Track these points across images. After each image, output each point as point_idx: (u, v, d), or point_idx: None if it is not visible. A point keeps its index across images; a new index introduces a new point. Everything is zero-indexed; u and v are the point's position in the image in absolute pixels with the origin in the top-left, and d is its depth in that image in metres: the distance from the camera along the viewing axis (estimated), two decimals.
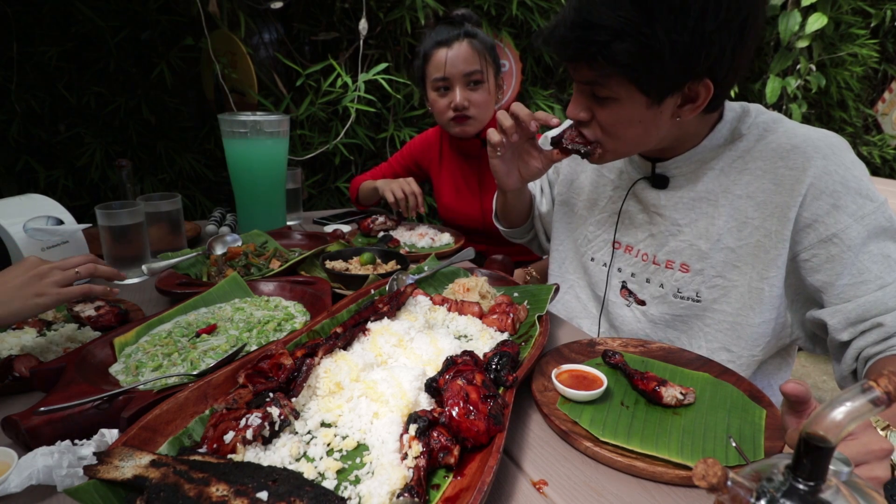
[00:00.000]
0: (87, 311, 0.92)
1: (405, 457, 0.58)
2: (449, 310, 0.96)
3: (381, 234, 1.52)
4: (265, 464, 0.57)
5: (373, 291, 0.98)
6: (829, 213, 0.81)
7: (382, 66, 2.18)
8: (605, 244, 1.07)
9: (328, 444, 0.62)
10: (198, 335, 0.85)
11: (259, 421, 0.60)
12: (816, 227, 0.82)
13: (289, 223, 1.65)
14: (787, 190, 0.84)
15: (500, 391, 0.69)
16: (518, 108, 0.98)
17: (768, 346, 0.93)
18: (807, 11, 3.11)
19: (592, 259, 1.10)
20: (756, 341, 0.91)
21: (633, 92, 0.81)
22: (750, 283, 0.89)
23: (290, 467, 0.58)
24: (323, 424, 0.66)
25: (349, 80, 2.17)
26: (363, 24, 2.13)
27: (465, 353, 0.73)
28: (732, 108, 0.92)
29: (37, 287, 0.77)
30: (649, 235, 0.99)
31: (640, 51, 0.75)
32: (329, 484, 0.56)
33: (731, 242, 0.90)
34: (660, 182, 0.96)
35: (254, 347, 0.83)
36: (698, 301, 0.94)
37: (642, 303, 1.01)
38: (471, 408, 0.61)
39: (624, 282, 1.04)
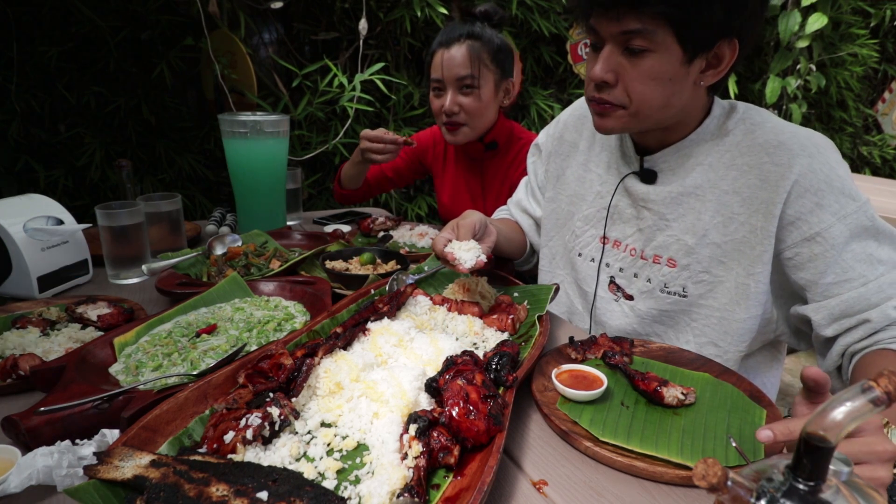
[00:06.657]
0: (90, 312, 0.92)
1: (405, 457, 0.58)
2: (449, 310, 0.96)
3: (381, 234, 1.52)
4: (265, 464, 0.57)
5: (373, 291, 0.98)
6: (813, 212, 0.82)
7: (378, 65, 2.18)
8: (594, 239, 1.07)
9: (328, 444, 0.62)
10: (198, 335, 0.85)
11: (259, 421, 0.60)
12: (799, 224, 0.83)
13: (289, 223, 1.65)
14: (772, 186, 0.85)
15: (500, 391, 0.69)
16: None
17: (753, 342, 0.94)
18: (807, 11, 3.11)
19: (580, 255, 1.09)
20: (742, 336, 0.92)
21: (670, 43, 0.80)
22: (736, 279, 0.90)
23: (290, 467, 0.58)
24: (323, 424, 0.66)
25: (345, 81, 2.16)
26: (363, 24, 2.13)
27: (465, 353, 0.73)
28: (720, 104, 0.93)
29: None
30: (637, 230, 1.00)
31: None
32: (329, 484, 0.56)
33: (717, 238, 0.91)
34: (648, 177, 0.97)
35: (254, 347, 0.83)
36: (685, 296, 0.95)
37: (630, 297, 1.01)
38: (471, 408, 0.61)
39: (612, 277, 1.04)
